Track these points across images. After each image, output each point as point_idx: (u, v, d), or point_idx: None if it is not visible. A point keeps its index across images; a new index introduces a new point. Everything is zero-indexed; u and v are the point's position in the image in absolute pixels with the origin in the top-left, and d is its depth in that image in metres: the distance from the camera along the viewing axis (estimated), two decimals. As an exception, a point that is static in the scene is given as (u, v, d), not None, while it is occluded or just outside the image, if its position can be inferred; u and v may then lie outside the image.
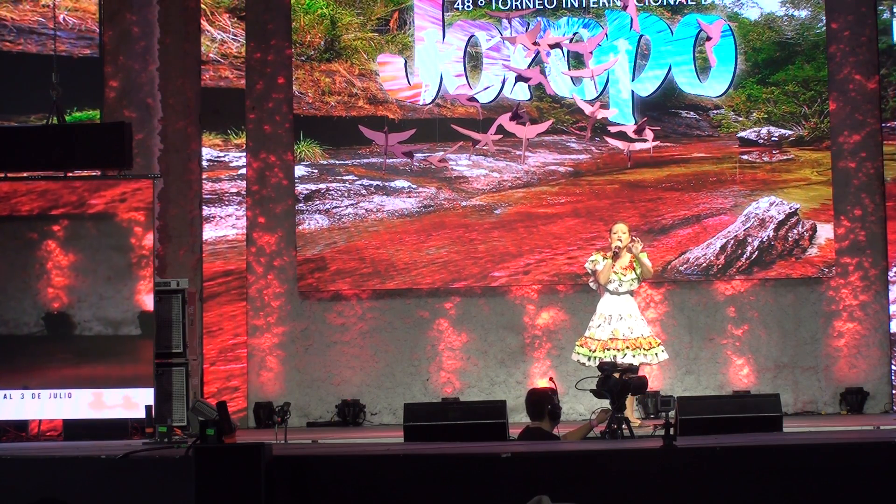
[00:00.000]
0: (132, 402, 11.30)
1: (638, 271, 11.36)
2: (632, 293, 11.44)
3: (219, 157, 13.45)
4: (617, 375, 9.22)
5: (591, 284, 11.63)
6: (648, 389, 12.61)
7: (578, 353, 11.34)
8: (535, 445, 8.86)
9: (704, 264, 13.25)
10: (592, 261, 11.48)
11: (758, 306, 13.30)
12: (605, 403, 9.28)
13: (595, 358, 11.01)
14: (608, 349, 11.14)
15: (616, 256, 11.33)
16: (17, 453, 8.84)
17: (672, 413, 8.15)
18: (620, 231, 11.38)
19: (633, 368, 9.98)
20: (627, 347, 11.15)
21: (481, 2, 13.47)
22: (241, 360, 13.31)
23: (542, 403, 9.18)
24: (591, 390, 9.31)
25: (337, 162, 13.57)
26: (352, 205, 13.53)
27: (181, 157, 13.48)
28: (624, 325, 11.23)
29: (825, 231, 13.18)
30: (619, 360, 10.95)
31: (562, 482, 7.26)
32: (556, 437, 9.15)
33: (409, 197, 13.52)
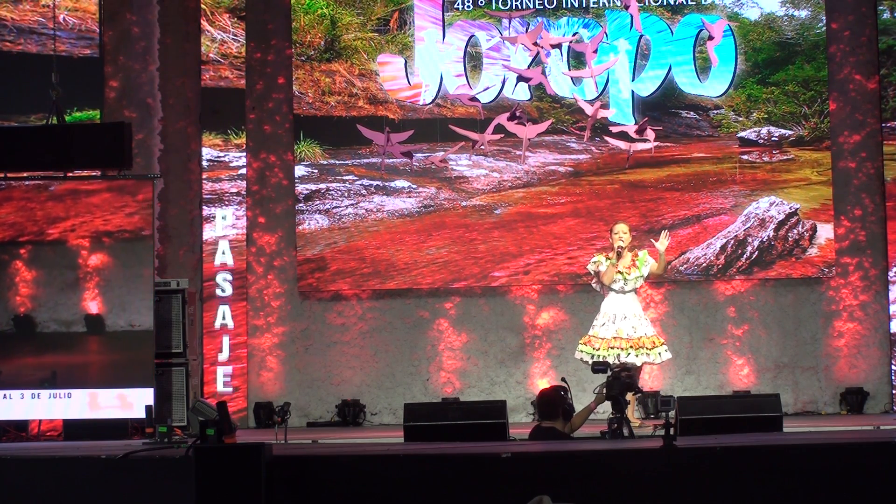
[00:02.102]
0: (130, 402, 11.33)
1: (644, 270, 11.29)
2: (635, 292, 11.42)
3: (219, 157, 13.45)
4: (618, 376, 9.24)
5: (593, 285, 11.59)
6: (648, 389, 12.69)
7: (582, 352, 11.29)
8: (534, 445, 8.86)
9: (704, 264, 13.25)
10: (595, 262, 11.42)
11: (758, 306, 13.30)
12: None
13: (598, 356, 10.98)
14: (612, 348, 11.11)
15: (619, 256, 11.29)
16: (17, 453, 8.84)
17: (672, 413, 8.15)
18: (622, 231, 11.33)
19: (626, 368, 9.98)
20: (631, 347, 11.13)
21: (481, 2, 13.47)
22: (241, 360, 13.31)
23: (557, 404, 9.16)
24: (603, 393, 9.31)
25: (337, 162, 13.57)
26: (352, 205, 13.53)
27: (181, 157, 13.49)
28: (628, 324, 11.20)
29: (825, 231, 13.19)
30: (622, 359, 10.95)
31: (562, 482, 7.26)
32: (570, 438, 9.13)
33: (409, 197, 13.52)
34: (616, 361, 10.91)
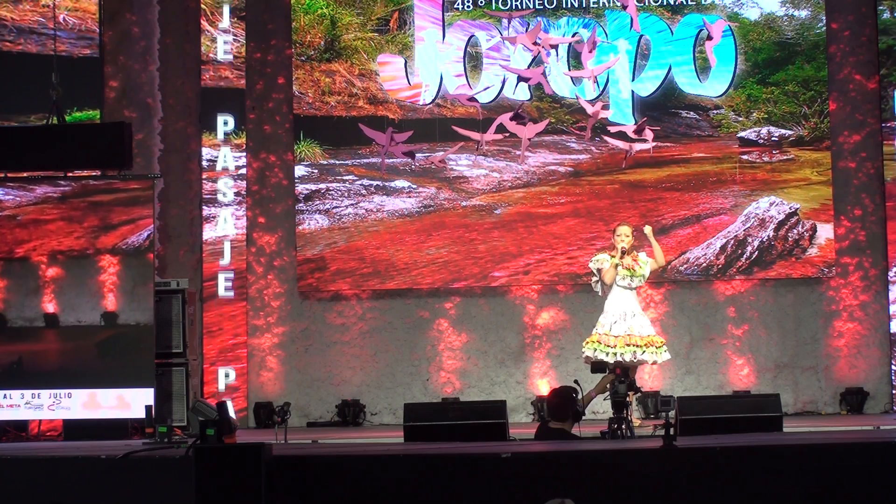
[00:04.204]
0: (130, 403, 11.36)
1: (645, 270, 11.25)
2: (636, 291, 11.37)
3: (218, 156, 13.44)
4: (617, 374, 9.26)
5: (592, 284, 11.50)
6: (648, 389, 12.70)
7: (597, 351, 11.08)
8: (534, 445, 8.86)
9: (704, 264, 13.25)
10: (597, 260, 11.34)
11: (758, 306, 13.30)
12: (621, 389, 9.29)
13: (616, 354, 10.91)
14: (629, 345, 11.03)
15: (621, 257, 11.22)
16: (17, 453, 8.84)
17: (672, 413, 8.16)
18: (624, 234, 11.23)
19: (623, 366, 9.98)
20: (646, 345, 11.10)
21: (481, 2, 13.47)
22: (241, 360, 13.31)
23: (568, 406, 9.14)
24: (611, 395, 9.29)
25: (337, 162, 13.57)
26: (352, 205, 13.53)
27: (181, 157, 13.49)
28: (637, 322, 11.15)
29: (825, 231, 13.18)
30: (638, 357, 10.96)
31: (562, 482, 7.26)
32: (578, 438, 9.14)
33: (409, 197, 13.52)
34: (633, 359, 10.92)
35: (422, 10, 13.50)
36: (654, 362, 11.27)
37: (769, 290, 13.30)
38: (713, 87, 13.30)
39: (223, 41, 13.40)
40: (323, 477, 7.51)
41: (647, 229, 11.37)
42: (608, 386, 9.65)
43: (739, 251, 13.23)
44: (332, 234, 13.50)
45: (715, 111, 13.32)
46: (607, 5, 13.34)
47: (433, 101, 13.45)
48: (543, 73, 13.22)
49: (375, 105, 13.53)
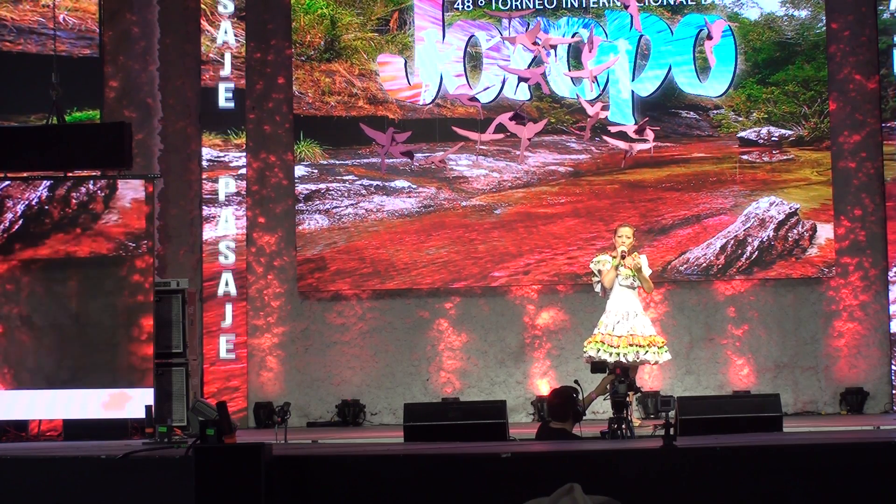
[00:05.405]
0: (132, 402, 11.36)
1: (645, 271, 11.24)
2: (637, 291, 11.36)
3: (219, 157, 13.45)
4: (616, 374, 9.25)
5: (594, 284, 11.49)
6: (648, 389, 12.70)
7: (601, 351, 11.09)
8: (534, 445, 8.86)
9: (704, 264, 13.25)
10: (598, 261, 11.32)
11: (758, 306, 13.30)
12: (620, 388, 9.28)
13: (619, 354, 10.91)
14: (632, 345, 11.03)
15: (621, 258, 11.19)
16: (17, 453, 8.84)
17: (672, 413, 8.15)
18: (625, 235, 11.20)
19: (623, 367, 9.98)
20: (648, 345, 11.09)
21: (481, 2, 13.47)
22: (241, 360, 13.31)
23: (568, 405, 9.14)
24: (611, 395, 9.28)
25: (337, 162, 13.57)
26: (352, 205, 13.53)
27: (181, 157, 13.49)
28: (639, 322, 11.15)
29: (825, 231, 13.19)
30: (641, 357, 10.95)
31: (562, 482, 7.25)
32: (579, 438, 9.14)
33: (409, 197, 13.52)
34: (636, 359, 10.92)
35: (422, 10, 13.50)
36: (656, 362, 11.28)
37: (769, 290, 13.31)
38: (713, 87, 13.30)
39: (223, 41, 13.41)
40: (323, 477, 7.51)
41: (643, 258, 11.33)
42: (608, 386, 9.65)
43: (739, 251, 13.23)
44: (332, 234, 13.50)
45: (715, 111, 13.32)
46: (607, 5, 13.34)
47: (433, 101, 13.45)
48: (543, 74, 13.18)
49: (375, 105, 13.53)
